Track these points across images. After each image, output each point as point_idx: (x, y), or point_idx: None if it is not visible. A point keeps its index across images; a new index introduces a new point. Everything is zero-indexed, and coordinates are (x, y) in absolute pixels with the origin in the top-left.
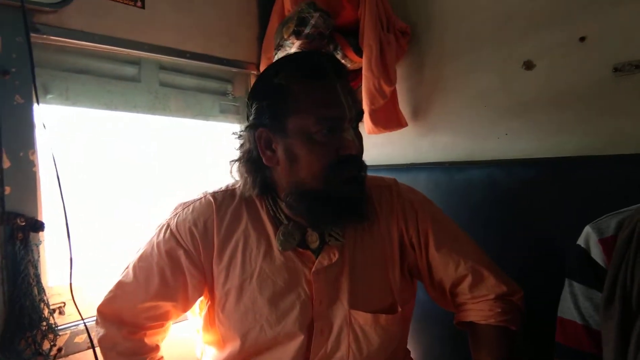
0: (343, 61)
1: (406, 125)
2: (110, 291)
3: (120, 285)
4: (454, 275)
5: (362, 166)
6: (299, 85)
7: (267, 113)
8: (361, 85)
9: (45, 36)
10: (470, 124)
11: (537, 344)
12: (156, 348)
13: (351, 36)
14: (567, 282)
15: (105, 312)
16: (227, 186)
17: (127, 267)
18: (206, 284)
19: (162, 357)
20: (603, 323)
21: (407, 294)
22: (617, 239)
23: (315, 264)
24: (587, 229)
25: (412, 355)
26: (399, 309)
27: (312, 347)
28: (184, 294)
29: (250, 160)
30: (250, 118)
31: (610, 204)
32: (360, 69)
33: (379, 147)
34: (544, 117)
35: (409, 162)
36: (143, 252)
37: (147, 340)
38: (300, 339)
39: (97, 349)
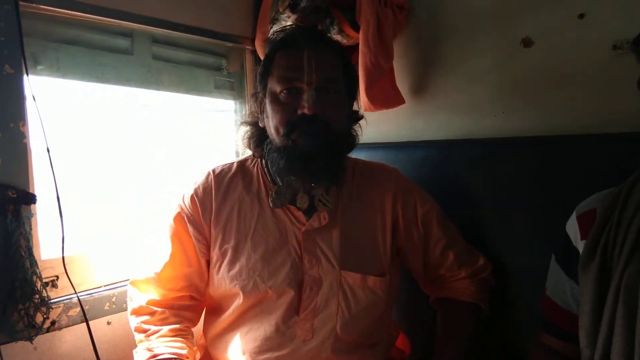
0: (339, 36)
1: (404, 102)
2: (140, 267)
3: (145, 259)
4: (436, 256)
5: (319, 122)
6: (277, 53)
7: (260, 80)
8: (357, 61)
9: (34, 5)
10: (468, 101)
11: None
12: (181, 322)
13: (348, 10)
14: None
15: (135, 284)
16: (229, 162)
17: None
18: (209, 248)
19: (186, 328)
20: (581, 281)
21: (393, 268)
22: (598, 208)
23: (306, 225)
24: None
25: (402, 332)
26: (387, 275)
27: (302, 302)
28: (196, 259)
29: (252, 124)
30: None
31: (607, 182)
32: (357, 45)
33: (375, 125)
34: (542, 94)
35: (405, 139)
36: (161, 228)
37: (171, 311)
38: (290, 294)
39: (90, 323)
